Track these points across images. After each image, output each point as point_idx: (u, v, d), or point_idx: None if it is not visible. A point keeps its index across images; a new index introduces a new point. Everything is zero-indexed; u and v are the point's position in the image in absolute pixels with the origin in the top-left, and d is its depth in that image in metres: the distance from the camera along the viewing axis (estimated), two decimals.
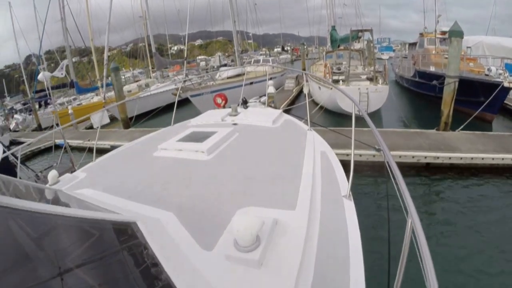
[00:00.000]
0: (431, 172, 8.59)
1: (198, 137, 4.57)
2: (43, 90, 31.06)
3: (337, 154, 4.20)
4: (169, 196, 3.00)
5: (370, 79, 14.85)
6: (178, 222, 2.41)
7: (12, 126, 27.92)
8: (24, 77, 40.42)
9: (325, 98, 14.21)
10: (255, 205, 2.62)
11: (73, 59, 36.50)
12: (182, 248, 2.08)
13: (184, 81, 18.59)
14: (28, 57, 48.19)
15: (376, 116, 14.81)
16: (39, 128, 25.69)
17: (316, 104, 14.15)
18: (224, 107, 13.80)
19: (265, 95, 8.57)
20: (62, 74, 13.70)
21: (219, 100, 14.08)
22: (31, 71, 38.36)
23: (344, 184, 3.15)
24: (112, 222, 1.99)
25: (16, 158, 8.13)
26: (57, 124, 20.77)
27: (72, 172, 8.97)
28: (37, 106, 28.50)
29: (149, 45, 32.57)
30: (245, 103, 7.02)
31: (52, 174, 3.75)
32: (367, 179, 8.38)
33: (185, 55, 23.96)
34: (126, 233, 2.01)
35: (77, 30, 31.13)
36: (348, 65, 15.32)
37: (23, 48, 38.06)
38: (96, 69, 31.12)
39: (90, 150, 15.35)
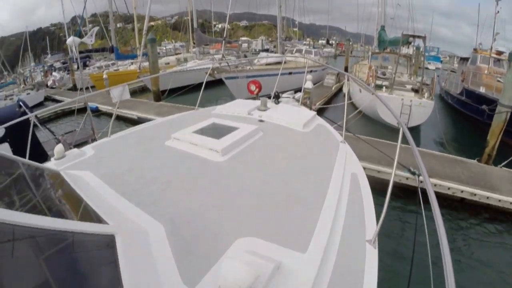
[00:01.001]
0: (464, 208, 7.74)
1: (217, 131, 4.23)
2: (82, 52, 31.49)
3: (367, 169, 3.64)
4: (166, 201, 2.66)
5: (416, 91, 13.85)
6: (165, 239, 2.07)
7: (49, 83, 28.88)
8: (67, 37, 40.92)
9: (364, 102, 13.45)
10: (260, 234, 2.20)
11: (117, 25, 36.84)
12: (159, 277, 1.77)
13: (220, 62, 18.19)
14: (73, 18, 49.44)
15: (414, 131, 13.72)
16: (74, 88, 26.37)
17: (355, 107, 13.44)
18: (257, 95, 13.33)
19: (301, 90, 7.94)
20: (91, 41, 13.53)
21: (252, 87, 13.57)
22: (74, 31, 38.97)
23: (371, 224, 2.56)
24: (86, 234, 1.68)
25: (38, 119, 7.90)
26: (92, 87, 21.05)
27: (92, 140, 8.88)
28: (75, 67, 28.96)
29: (192, 19, 32.34)
30: (277, 97, 6.48)
31: (58, 148, 3.60)
32: (394, 204, 7.59)
33: (225, 35, 23.47)
34: (99, 248, 1.76)
35: None
36: (394, 72, 14.39)
37: (69, 9, 38.76)
38: (136, 38, 31.22)
39: (118, 117, 15.40)
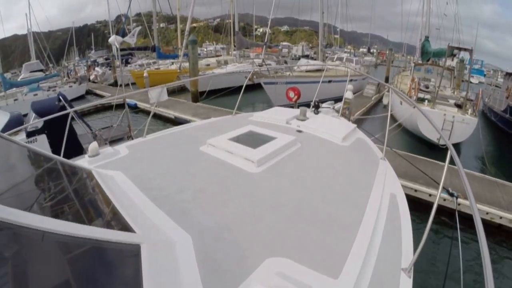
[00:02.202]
0: (501, 235, 7.14)
1: (253, 139, 4.15)
2: (125, 49, 32.35)
3: (404, 187, 3.45)
4: (197, 210, 2.57)
5: (459, 106, 13.23)
6: (192, 253, 1.97)
7: (91, 77, 29.98)
8: (111, 34, 42.31)
9: (405, 115, 13.00)
10: (291, 255, 2.09)
11: (161, 25, 37.59)
12: None
13: (260, 67, 18.14)
14: (118, 17, 51.25)
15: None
16: (115, 84, 27.13)
17: (394, 120, 13.00)
18: (295, 102, 13.22)
19: (341, 99, 7.72)
20: (133, 40, 13.92)
21: (291, 94, 13.48)
22: (118, 29, 40.12)
23: (407, 250, 2.39)
24: (111, 242, 1.60)
25: (76, 113, 8.08)
26: (132, 84, 21.50)
27: (128, 137, 8.99)
28: (117, 63, 29.85)
29: (234, 23, 32.64)
30: (316, 107, 6.30)
31: (92, 146, 3.66)
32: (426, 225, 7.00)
33: (266, 40, 23.42)
34: (123, 257, 1.68)
35: None
36: (438, 85, 13.81)
37: (114, 7, 40.15)
38: (178, 38, 31.81)
39: (155, 115, 15.62)
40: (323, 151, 4.27)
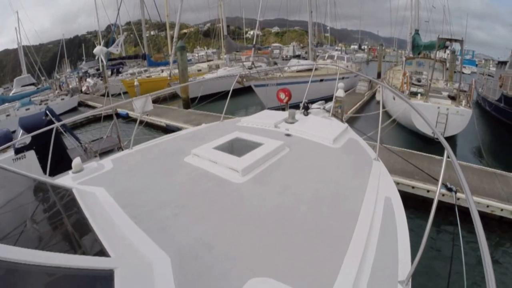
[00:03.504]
0: (502, 228, 6.95)
1: (239, 146, 4.10)
2: (116, 59, 32.29)
3: (401, 184, 3.30)
4: (177, 227, 2.44)
5: (452, 98, 13.10)
6: (170, 275, 1.85)
7: (83, 89, 29.76)
8: (101, 44, 42.38)
9: (398, 111, 12.84)
10: (277, 273, 1.93)
11: (151, 32, 37.49)
12: None
13: (250, 69, 18.02)
14: (108, 27, 51.19)
15: (449, 141, 12.68)
16: (107, 94, 26.93)
17: (388, 116, 12.88)
18: (287, 103, 13.11)
19: (332, 98, 7.57)
20: (117, 50, 13.84)
21: (282, 96, 13.37)
22: (108, 38, 40.13)
23: (405, 260, 2.21)
24: (83, 269, 1.53)
25: (65, 127, 7.98)
26: (124, 93, 21.41)
27: (118, 148, 8.91)
28: (109, 73, 29.83)
29: (223, 26, 32.63)
30: (306, 108, 6.16)
31: (76, 162, 3.58)
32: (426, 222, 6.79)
33: (254, 42, 23.35)
34: (95, 283, 1.61)
35: (155, 6, 32.31)
36: (430, 78, 13.70)
37: (104, 18, 40.38)
38: (168, 45, 31.88)
39: (147, 124, 15.52)
40: (312, 155, 4.11)
